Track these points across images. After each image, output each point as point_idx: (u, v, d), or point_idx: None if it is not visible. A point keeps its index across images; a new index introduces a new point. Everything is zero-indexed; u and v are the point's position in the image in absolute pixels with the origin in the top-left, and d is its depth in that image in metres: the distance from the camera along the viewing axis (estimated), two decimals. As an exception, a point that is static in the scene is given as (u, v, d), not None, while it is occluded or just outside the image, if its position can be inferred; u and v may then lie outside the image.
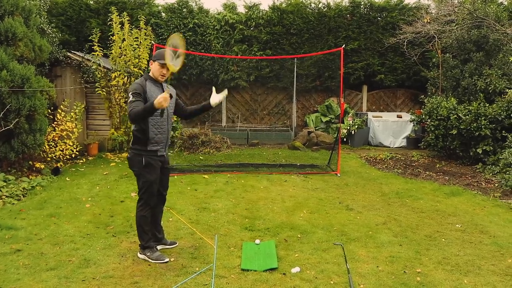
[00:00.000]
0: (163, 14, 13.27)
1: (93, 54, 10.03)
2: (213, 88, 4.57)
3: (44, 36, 8.94)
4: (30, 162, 7.70)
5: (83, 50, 10.37)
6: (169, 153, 4.34)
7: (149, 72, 4.22)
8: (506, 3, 12.85)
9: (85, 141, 10.13)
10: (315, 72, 13.45)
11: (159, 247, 4.51)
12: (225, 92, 4.50)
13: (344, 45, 8.84)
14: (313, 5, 13.51)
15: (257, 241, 4.73)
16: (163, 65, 4.06)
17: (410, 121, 11.71)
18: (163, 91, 4.03)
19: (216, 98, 4.41)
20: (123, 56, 9.94)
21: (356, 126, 12.20)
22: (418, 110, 11.91)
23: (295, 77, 13.10)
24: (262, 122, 14.14)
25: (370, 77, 13.67)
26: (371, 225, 5.44)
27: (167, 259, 4.20)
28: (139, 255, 4.30)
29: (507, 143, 8.24)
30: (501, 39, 9.72)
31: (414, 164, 9.66)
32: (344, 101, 13.72)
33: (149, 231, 4.32)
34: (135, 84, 4.05)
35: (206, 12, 13.43)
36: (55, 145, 8.59)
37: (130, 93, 3.95)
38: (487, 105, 9.13)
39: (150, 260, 4.17)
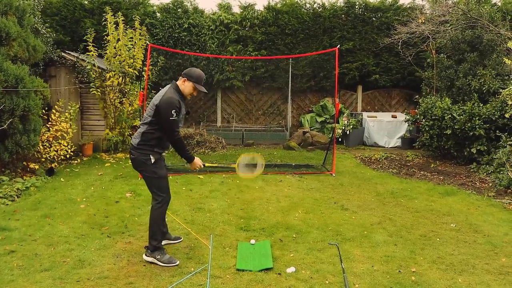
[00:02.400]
0: (158, 14, 13.24)
1: (88, 54, 10.00)
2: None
3: (38, 36, 8.90)
4: (24, 163, 7.66)
5: (78, 50, 10.34)
6: (164, 154, 4.35)
7: (176, 81, 4.29)
8: (499, 3, 12.92)
9: (79, 141, 10.09)
10: (310, 72, 13.46)
11: (163, 242, 4.54)
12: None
13: (339, 45, 8.86)
14: (308, 5, 13.53)
15: (252, 241, 4.74)
16: (196, 89, 4.25)
17: (405, 121, 11.75)
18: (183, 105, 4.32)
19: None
20: (117, 56, 9.92)
21: (351, 126, 12.22)
22: (413, 110, 11.95)
23: (290, 77, 13.12)
24: (257, 122, 14.14)
25: (365, 77, 13.70)
26: (366, 225, 5.45)
27: (178, 262, 4.16)
28: (145, 257, 4.20)
29: (501, 142, 8.29)
30: (495, 40, 9.77)
31: (409, 164, 9.70)
32: (339, 101, 13.75)
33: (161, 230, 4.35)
34: (174, 100, 4.07)
35: (201, 12, 13.42)
36: (49, 146, 8.54)
37: (173, 110, 4.01)
38: (481, 105, 9.17)
39: (160, 264, 4.10)
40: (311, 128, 13.15)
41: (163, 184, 4.23)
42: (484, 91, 9.45)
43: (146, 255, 4.21)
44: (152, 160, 4.12)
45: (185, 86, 4.21)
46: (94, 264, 4.12)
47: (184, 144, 4.21)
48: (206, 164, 4.38)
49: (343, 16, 13.53)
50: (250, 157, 4.70)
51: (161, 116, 4.03)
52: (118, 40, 9.91)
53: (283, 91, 13.73)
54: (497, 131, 8.68)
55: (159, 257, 4.13)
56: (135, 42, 10.16)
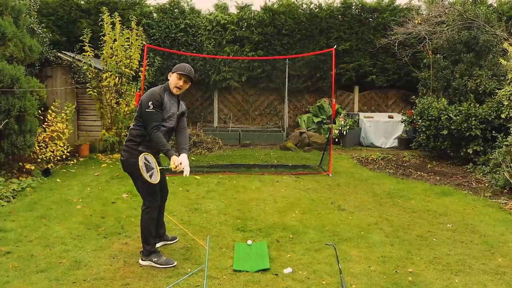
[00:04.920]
0: (155, 15, 13.22)
1: (84, 55, 9.97)
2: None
3: (34, 36, 8.86)
4: (20, 164, 7.62)
5: (74, 51, 10.29)
6: (160, 154, 4.28)
7: (167, 81, 4.20)
8: (495, 4, 12.98)
9: (76, 142, 10.06)
10: (306, 73, 13.47)
11: (160, 244, 4.54)
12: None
13: (335, 46, 8.87)
14: (304, 5, 13.54)
15: (249, 241, 4.73)
16: (181, 77, 4.07)
17: (402, 122, 11.76)
18: (178, 106, 4.22)
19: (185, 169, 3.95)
20: (114, 56, 9.89)
21: (347, 127, 12.24)
22: (409, 110, 11.98)
23: (286, 77, 13.12)
24: (254, 123, 14.13)
25: (362, 78, 13.72)
26: (363, 225, 5.45)
27: (175, 262, 4.14)
28: (142, 262, 4.15)
29: (497, 143, 8.30)
30: (491, 40, 9.80)
31: (405, 164, 9.71)
32: (336, 101, 13.75)
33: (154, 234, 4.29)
34: (155, 93, 4.00)
35: (197, 13, 13.41)
36: (45, 146, 8.51)
37: (150, 102, 3.91)
38: (477, 105, 9.20)
39: (158, 266, 4.06)
40: (308, 129, 13.15)
41: (152, 188, 4.11)
42: (480, 92, 9.47)
43: (142, 259, 4.18)
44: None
45: (170, 78, 4.14)
46: (90, 265, 4.10)
47: (161, 140, 3.90)
48: (174, 168, 3.87)
49: (339, 16, 13.54)
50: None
51: (141, 108, 4.00)
52: (115, 40, 9.89)
53: (280, 91, 13.74)
54: (493, 132, 8.70)
55: (155, 259, 4.10)
56: (131, 43, 10.14)
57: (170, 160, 3.88)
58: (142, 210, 4.19)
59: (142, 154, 3.90)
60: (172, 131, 4.28)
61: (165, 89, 4.12)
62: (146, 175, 3.86)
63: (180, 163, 3.86)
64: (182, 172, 3.91)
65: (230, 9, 13.72)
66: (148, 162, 3.90)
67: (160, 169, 3.90)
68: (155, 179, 3.89)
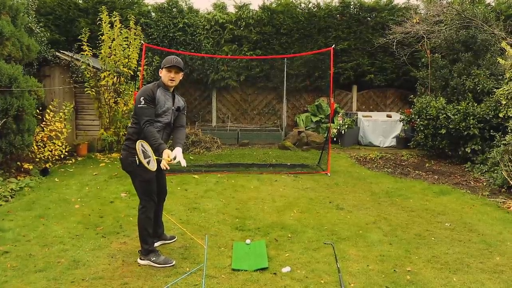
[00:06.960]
0: (153, 14, 13.21)
1: (82, 54, 9.95)
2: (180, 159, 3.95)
3: (32, 36, 8.84)
4: (18, 163, 7.61)
5: (72, 50, 10.27)
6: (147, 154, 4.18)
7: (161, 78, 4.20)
8: (493, 4, 13.00)
9: (74, 141, 10.04)
10: (305, 72, 13.48)
11: (159, 243, 4.53)
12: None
13: (334, 45, 8.86)
14: (303, 5, 13.55)
15: (248, 241, 4.73)
16: (170, 69, 4.09)
17: (400, 121, 11.78)
18: (174, 101, 4.20)
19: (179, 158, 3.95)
20: (112, 56, 9.88)
21: (346, 126, 12.24)
22: (408, 109, 11.99)
23: (285, 77, 13.12)
24: (252, 122, 14.13)
25: (360, 77, 13.73)
26: (361, 224, 5.46)
27: (174, 262, 4.14)
28: (140, 261, 4.15)
29: (495, 142, 8.33)
30: (489, 40, 9.82)
31: (403, 164, 9.72)
32: (334, 101, 13.76)
33: (152, 233, 4.28)
34: (147, 88, 4.04)
35: (196, 12, 13.41)
36: (43, 146, 8.49)
37: (142, 97, 3.95)
38: (476, 104, 9.22)
39: (156, 265, 4.06)
40: (306, 128, 13.16)
41: (148, 188, 4.14)
42: (478, 91, 9.49)
43: (140, 258, 4.17)
44: (137, 162, 3.98)
45: (161, 75, 4.17)
46: (89, 264, 4.10)
47: (152, 134, 3.90)
48: (166, 160, 3.84)
49: (338, 16, 13.56)
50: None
51: (135, 106, 4.03)
52: (113, 39, 9.87)
53: (278, 90, 13.74)
54: (491, 131, 8.72)
55: (154, 259, 4.10)
56: (130, 42, 10.13)
57: (162, 154, 3.86)
58: (138, 210, 4.20)
59: (139, 141, 3.89)
60: (170, 128, 4.26)
61: (159, 85, 4.14)
62: (144, 161, 3.83)
63: (175, 157, 3.86)
64: (183, 169, 3.92)
65: (229, 8, 13.74)
66: (145, 149, 3.88)
67: (156, 159, 3.88)
68: (153, 166, 3.85)
